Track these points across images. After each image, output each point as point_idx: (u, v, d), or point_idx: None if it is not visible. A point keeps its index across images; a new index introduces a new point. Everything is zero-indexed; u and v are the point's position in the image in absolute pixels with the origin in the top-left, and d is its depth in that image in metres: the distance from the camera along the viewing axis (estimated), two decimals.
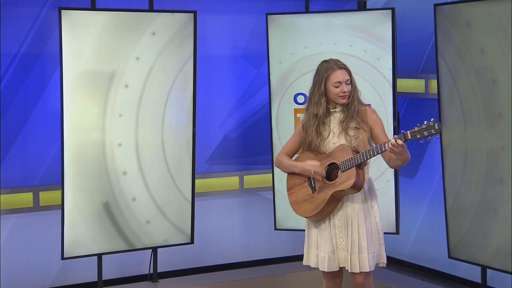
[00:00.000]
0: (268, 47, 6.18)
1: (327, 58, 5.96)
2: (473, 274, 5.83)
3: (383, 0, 6.58)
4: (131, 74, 5.68)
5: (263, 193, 6.58)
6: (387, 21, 5.92)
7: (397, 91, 6.03)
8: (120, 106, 5.67)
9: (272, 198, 6.32)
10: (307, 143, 4.45)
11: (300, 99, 6.17)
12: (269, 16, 6.17)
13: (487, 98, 5.38)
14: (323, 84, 4.38)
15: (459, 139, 5.61)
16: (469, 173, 5.55)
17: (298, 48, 6.14)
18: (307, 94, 6.14)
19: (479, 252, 5.51)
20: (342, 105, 4.40)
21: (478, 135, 5.47)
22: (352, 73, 4.44)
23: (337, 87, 4.36)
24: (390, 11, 5.92)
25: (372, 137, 4.40)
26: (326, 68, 4.41)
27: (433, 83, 6.05)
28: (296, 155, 4.59)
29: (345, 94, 4.37)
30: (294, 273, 6.27)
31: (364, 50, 5.98)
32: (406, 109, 6.49)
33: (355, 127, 4.36)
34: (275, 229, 6.35)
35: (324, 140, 4.39)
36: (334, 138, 4.38)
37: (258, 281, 6.16)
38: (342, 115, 4.40)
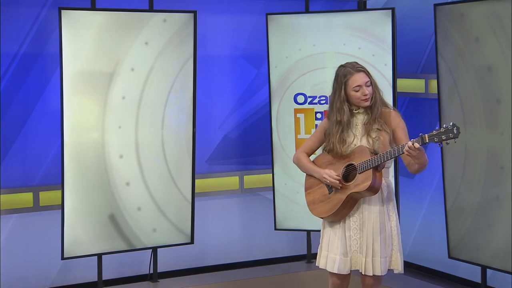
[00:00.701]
0: (268, 47, 6.18)
1: (327, 58, 6.01)
2: (473, 274, 5.83)
3: (383, 0, 6.58)
4: (131, 74, 5.68)
5: (263, 193, 6.58)
6: (387, 21, 5.92)
7: (397, 91, 6.03)
8: (120, 106, 5.67)
9: (272, 198, 6.32)
10: (328, 150, 4.39)
11: (300, 99, 6.17)
12: (269, 16, 6.17)
13: (487, 98, 5.38)
14: (343, 90, 4.30)
15: (459, 139, 5.59)
16: (469, 173, 5.55)
17: (298, 48, 6.14)
18: (307, 94, 6.19)
19: (479, 252, 5.51)
20: (365, 107, 4.35)
21: (478, 135, 5.47)
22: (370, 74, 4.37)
23: (357, 91, 4.28)
24: (390, 11, 5.92)
25: (394, 140, 4.32)
26: (344, 73, 4.31)
27: (433, 83, 6.05)
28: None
29: (367, 97, 4.28)
30: (294, 273, 6.27)
31: (362, 49, 5.98)
32: (406, 109, 6.49)
33: (377, 129, 4.29)
34: (275, 229, 6.35)
35: (347, 146, 4.33)
36: (357, 140, 4.33)
37: (258, 281, 6.16)
38: (365, 117, 4.33)
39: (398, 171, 6.05)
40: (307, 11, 6.34)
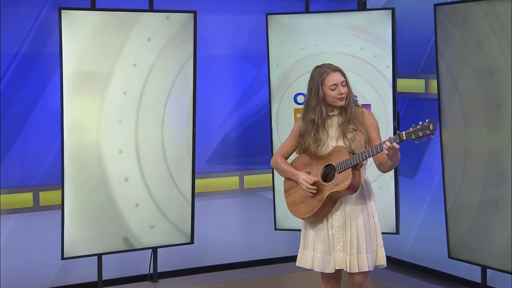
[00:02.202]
0: (268, 47, 6.18)
1: (327, 58, 6.01)
2: (473, 274, 5.83)
3: (383, 0, 6.58)
4: (131, 74, 5.69)
5: (263, 193, 6.58)
6: (387, 21, 5.92)
7: (397, 91, 6.03)
8: (120, 106, 5.67)
9: (272, 198, 6.32)
10: (303, 149, 4.44)
11: (300, 99, 6.17)
12: (269, 16, 6.17)
13: (487, 98, 5.38)
14: (320, 89, 4.35)
15: (459, 139, 5.61)
16: (469, 173, 5.55)
17: (298, 48, 6.14)
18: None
19: (479, 252, 5.51)
20: (340, 107, 4.38)
21: (478, 135, 5.47)
22: (348, 74, 4.41)
23: (333, 89, 4.33)
24: (390, 11, 5.93)
25: (367, 139, 4.38)
26: (320, 72, 4.38)
27: (433, 83, 6.05)
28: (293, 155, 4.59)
29: (342, 96, 4.34)
30: (294, 273, 6.26)
31: (363, 49, 5.98)
32: (406, 109, 6.49)
33: (353, 129, 4.34)
34: (275, 229, 6.35)
35: (322, 145, 4.38)
36: (333, 141, 4.37)
37: (258, 281, 6.16)
38: (340, 119, 4.38)
39: (398, 171, 6.05)
40: (307, 11, 6.34)
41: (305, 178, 4.38)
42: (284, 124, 6.22)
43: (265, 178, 6.49)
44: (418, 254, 6.40)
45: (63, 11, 5.44)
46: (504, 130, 5.26)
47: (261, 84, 6.51)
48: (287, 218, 6.26)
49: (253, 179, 6.53)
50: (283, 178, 4.57)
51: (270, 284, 6.16)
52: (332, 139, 4.37)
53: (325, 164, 4.35)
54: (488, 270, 5.60)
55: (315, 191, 4.35)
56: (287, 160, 4.56)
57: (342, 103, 4.36)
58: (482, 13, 5.34)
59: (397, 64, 6.01)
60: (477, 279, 5.73)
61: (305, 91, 6.11)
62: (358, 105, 4.45)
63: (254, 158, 6.55)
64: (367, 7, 6.51)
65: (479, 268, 5.63)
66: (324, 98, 4.36)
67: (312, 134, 4.38)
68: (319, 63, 6.08)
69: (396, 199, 5.99)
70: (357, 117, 4.37)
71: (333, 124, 4.39)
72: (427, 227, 6.33)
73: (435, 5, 5.68)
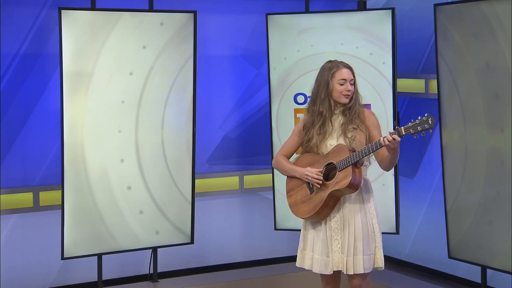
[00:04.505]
0: (268, 47, 6.18)
1: (327, 58, 5.99)
2: (473, 274, 5.83)
3: (383, 0, 6.59)
4: (131, 74, 5.68)
5: (263, 193, 6.58)
6: (387, 21, 5.92)
7: (397, 91, 6.03)
8: (120, 106, 5.67)
9: (272, 198, 6.32)
10: (306, 141, 4.43)
11: (300, 99, 6.17)
12: (269, 16, 6.17)
13: (487, 98, 5.38)
14: (330, 82, 4.36)
15: (459, 139, 5.61)
16: (469, 173, 5.55)
17: (297, 48, 6.14)
18: (307, 94, 6.18)
19: (479, 252, 5.51)
20: (343, 105, 4.38)
21: (478, 135, 5.47)
22: (355, 74, 4.44)
23: (342, 84, 4.35)
24: (390, 11, 5.93)
25: (369, 138, 4.38)
26: (331, 66, 4.41)
27: (433, 83, 6.05)
28: (295, 155, 4.58)
29: (349, 93, 4.35)
30: (294, 273, 6.26)
31: (363, 49, 5.98)
32: (406, 109, 6.49)
33: (353, 128, 4.35)
34: (275, 229, 6.35)
35: (326, 139, 4.37)
36: (333, 140, 4.38)
37: (258, 281, 6.16)
38: (342, 118, 4.39)
39: (398, 171, 6.05)
40: (307, 11, 6.34)
41: (309, 169, 4.36)
42: (284, 124, 6.22)
43: (265, 178, 6.49)
44: (418, 254, 6.40)
45: (63, 11, 5.44)
46: (504, 130, 5.26)
47: (261, 84, 6.51)
48: (287, 218, 6.26)
49: (253, 179, 6.53)
50: (285, 179, 4.56)
51: (270, 284, 6.16)
52: (333, 138, 4.37)
53: (326, 163, 4.35)
54: (488, 270, 5.60)
55: (321, 182, 4.33)
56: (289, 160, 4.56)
57: (346, 100, 4.37)
58: (482, 13, 5.34)
59: (397, 64, 6.01)
60: (477, 279, 5.74)
61: (305, 91, 6.16)
62: (360, 105, 4.45)
63: (254, 158, 6.55)
64: (367, 7, 6.51)
65: (479, 268, 5.63)
66: (331, 92, 4.37)
67: (318, 126, 4.38)
68: (319, 63, 6.08)
69: (396, 199, 5.99)
70: (359, 116, 4.38)
71: (335, 123, 4.39)
72: (427, 227, 6.33)
73: (435, 5, 5.68)
